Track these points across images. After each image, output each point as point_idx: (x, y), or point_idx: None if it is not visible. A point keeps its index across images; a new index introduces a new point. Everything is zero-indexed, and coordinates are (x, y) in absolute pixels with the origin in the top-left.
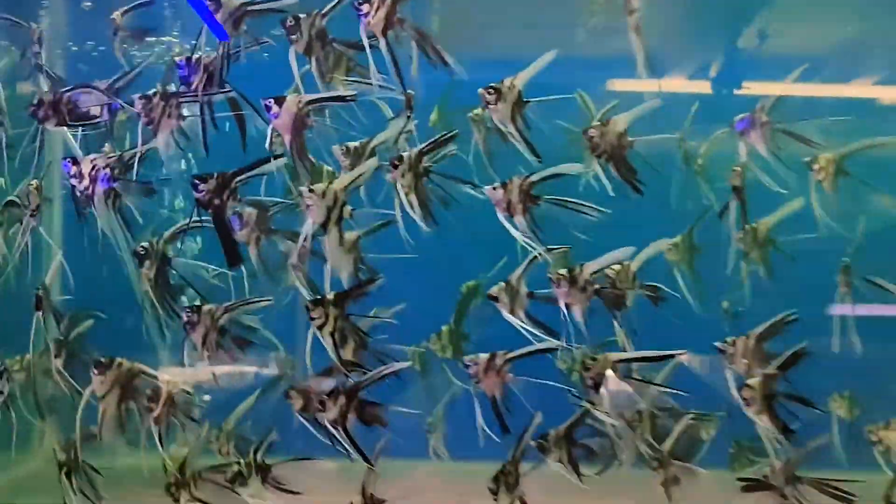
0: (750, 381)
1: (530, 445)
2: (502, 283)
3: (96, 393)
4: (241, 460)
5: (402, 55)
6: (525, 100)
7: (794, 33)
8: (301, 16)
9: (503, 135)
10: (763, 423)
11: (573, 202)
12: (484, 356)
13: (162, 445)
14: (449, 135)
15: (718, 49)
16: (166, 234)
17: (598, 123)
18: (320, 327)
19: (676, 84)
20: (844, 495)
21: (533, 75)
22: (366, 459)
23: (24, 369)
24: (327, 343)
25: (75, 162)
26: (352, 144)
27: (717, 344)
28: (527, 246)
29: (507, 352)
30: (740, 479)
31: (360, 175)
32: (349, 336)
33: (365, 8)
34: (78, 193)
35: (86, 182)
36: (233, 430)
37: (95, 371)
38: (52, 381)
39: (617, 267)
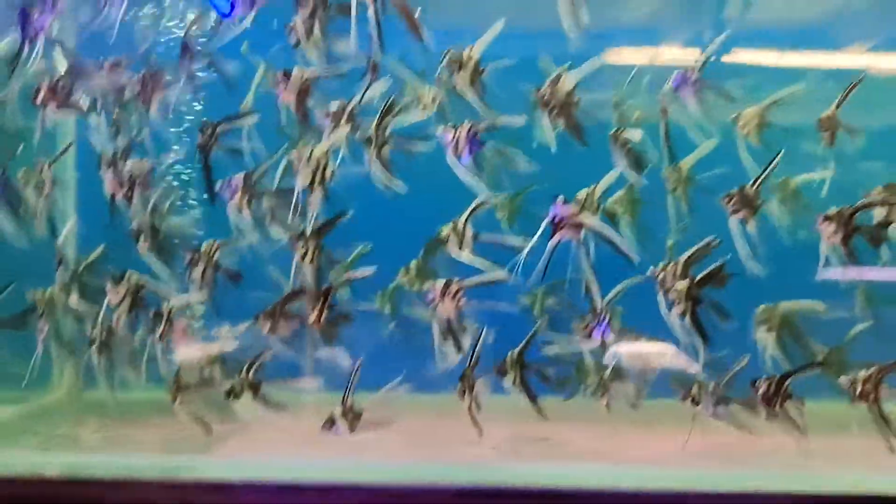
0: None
1: (488, 369)
2: (450, 224)
3: (111, 304)
4: (235, 377)
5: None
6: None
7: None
8: None
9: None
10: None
11: (511, 151)
12: (440, 283)
13: (163, 361)
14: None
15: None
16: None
17: (548, 83)
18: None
19: (667, 53)
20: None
21: (490, 42)
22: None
23: (46, 304)
24: (307, 270)
25: (111, 167)
26: (333, 107)
27: (649, 272)
28: (473, 188)
29: (461, 279)
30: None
31: (336, 141)
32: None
33: None
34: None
35: (124, 190)
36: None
37: (109, 284)
38: (71, 318)
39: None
